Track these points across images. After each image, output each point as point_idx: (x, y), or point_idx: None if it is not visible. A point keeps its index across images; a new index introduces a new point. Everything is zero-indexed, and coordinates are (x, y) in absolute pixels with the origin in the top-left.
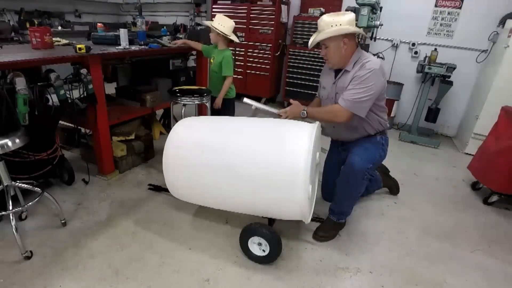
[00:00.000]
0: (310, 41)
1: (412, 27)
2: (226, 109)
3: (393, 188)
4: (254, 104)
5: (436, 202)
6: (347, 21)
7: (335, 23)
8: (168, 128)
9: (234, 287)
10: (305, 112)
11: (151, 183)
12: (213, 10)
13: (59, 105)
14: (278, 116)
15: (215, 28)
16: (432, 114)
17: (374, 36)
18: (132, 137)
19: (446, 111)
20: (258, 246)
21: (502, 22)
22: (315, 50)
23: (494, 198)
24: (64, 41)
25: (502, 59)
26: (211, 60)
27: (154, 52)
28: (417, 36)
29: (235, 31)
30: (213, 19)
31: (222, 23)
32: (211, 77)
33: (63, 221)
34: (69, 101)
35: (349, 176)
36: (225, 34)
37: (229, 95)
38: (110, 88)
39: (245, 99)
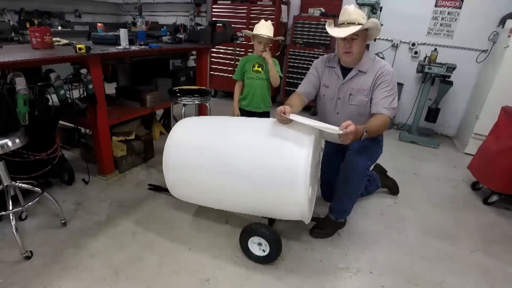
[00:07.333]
0: (341, 32)
1: (412, 27)
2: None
3: (392, 188)
4: (306, 122)
5: (436, 202)
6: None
7: (363, 16)
8: (168, 128)
9: (234, 287)
10: (365, 133)
11: (151, 183)
12: (213, 10)
13: (59, 105)
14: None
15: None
16: (432, 114)
17: None
18: (132, 137)
19: (446, 111)
20: (258, 246)
21: (502, 22)
22: (315, 50)
23: (494, 198)
24: (64, 41)
25: (502, 59)
26: (257, 68)
27: (154, 52)
28: (417, 36)
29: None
30: (264, 31)
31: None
32: (254, 88)
33: (63, 221)
34: (69, 101)
35: (350, 174)
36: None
37: (267, 107)
38: (110, 88)
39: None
